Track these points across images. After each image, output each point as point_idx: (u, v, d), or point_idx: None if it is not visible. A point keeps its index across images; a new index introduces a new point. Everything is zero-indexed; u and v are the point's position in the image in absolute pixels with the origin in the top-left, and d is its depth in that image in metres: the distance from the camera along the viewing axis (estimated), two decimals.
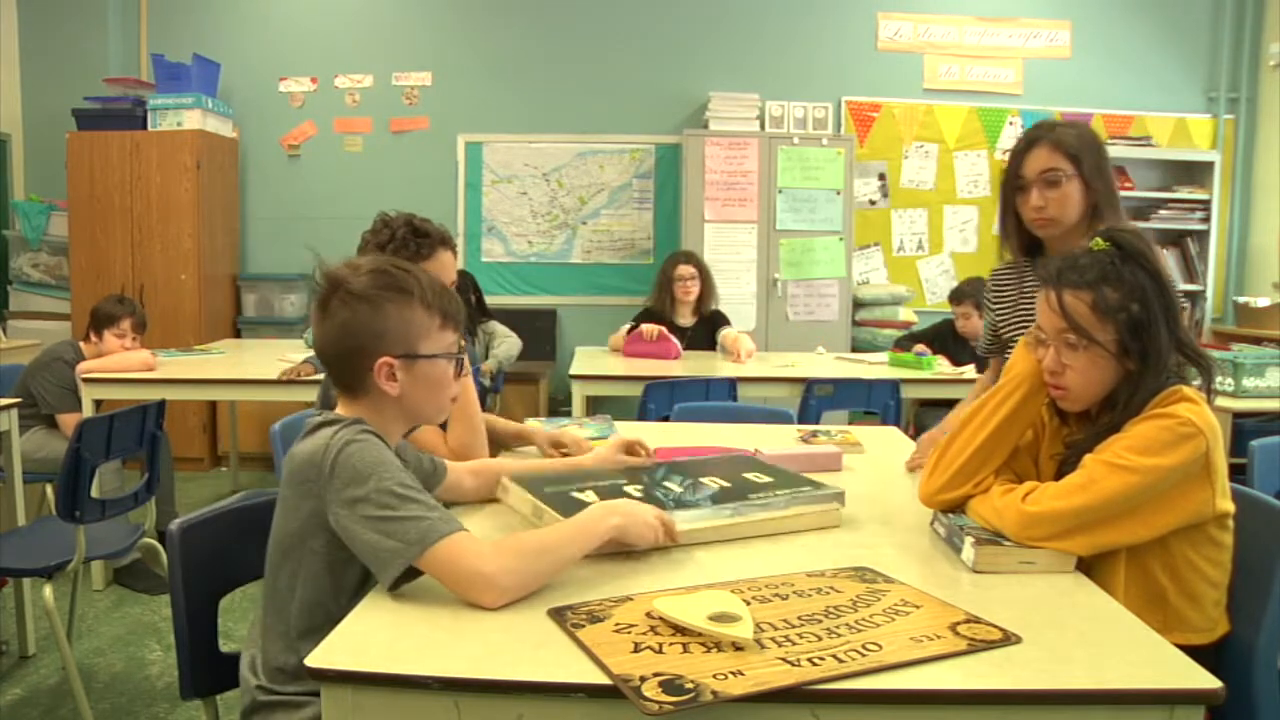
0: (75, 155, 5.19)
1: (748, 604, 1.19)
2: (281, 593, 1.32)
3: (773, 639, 1.10)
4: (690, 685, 0.99)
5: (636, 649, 1.08)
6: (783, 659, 1.05)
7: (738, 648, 1.07)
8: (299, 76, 5.75)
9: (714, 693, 0.97)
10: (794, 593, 1.28)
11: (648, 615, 1.17)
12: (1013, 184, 1.98)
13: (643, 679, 1.00)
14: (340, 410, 1.39)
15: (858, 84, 5.76)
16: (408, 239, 1.99)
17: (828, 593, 1.27)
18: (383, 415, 1.38)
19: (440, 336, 1.39)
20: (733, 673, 1.02)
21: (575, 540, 1.30)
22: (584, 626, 1.14)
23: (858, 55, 5.77)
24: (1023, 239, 2.04)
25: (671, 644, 1.09)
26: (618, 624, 1.15)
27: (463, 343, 1.45)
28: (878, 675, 1.01)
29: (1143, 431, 1.38)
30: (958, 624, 1.15)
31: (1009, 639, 1.11)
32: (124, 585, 3.44)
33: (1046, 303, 1.48)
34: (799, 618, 1.18)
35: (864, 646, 1.09)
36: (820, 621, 1.17)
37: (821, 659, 1.05)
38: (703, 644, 1.09)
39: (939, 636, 1.11)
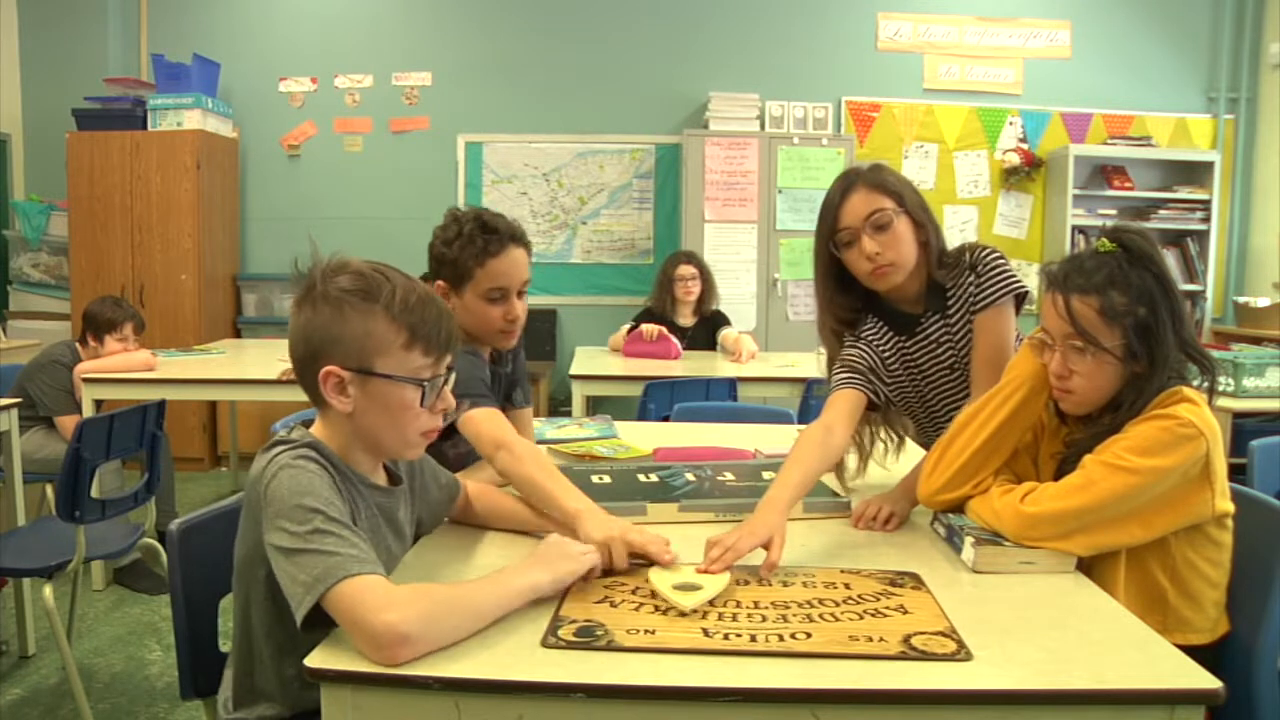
0: (75, 155, 5.18)
1: (745, 584, 1.27)
2: (240, 620, 1.29)
3: (720, 614, 1.18)
4: (600, 633, 1.10)
5: (600, 600, 1.21)
6: (703, 630, 1.12)
7: (682, 614, 1.17)
8: (299, 76, 5.75)
9: (609, 643, 1.08)
10: (802, 582, 1.30)
11: (646, 580, 1.27)
12: (832, 240, 1.75)
13: (571, 622, 1.13)
14: (314, 427, 1.30)
15: (858, 84, 5.76)
16: (474, 235, 1.81)
17: (834, 587, 1.28)
18: (343, 436, 1.26)
19: (404, 357, 1.22)
20: (647, 631, 1.12)
21: (494, 596, 1.14)
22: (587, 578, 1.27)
23: (858, 55, 5.77)
24: (848, 303, 1.82)
25: (630, 602, 1.20)
26: (615, 581, 1.28)
27: (442, 371, 1.28)
28: (813, 662, 1.03)
29: (1142, 432, 1.38)
30: (913, 634, 1.12)
31: (958, 654, 1.07)
32: (124, 585, 3.44)
33: (1053, 307, 1.46)
34: (771, 603, 1.22)
35: (793, 635, 1.11)
36: (787, 608, 1.20)
37: (738, 635, 1.11)
38: (655, 606, 1.19)
39: (881, 640, 1.10)
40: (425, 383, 1.24)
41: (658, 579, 1.25)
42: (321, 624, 1.09)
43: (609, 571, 1.31)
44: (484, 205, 2.07)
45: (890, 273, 1.73)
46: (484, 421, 1.67)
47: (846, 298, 1.83)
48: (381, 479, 1.36)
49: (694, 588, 1.22)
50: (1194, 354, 1.45)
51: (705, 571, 1.29)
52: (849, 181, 1.76)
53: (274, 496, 1.15)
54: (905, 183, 1.78)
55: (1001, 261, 1.76)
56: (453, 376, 1.31)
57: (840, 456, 1.76)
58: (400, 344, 1.22)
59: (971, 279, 1.76)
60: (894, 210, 1.72)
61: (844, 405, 1.75)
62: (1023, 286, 1.74)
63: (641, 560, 1.33)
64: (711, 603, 1.20)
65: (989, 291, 1.73)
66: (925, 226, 1.76)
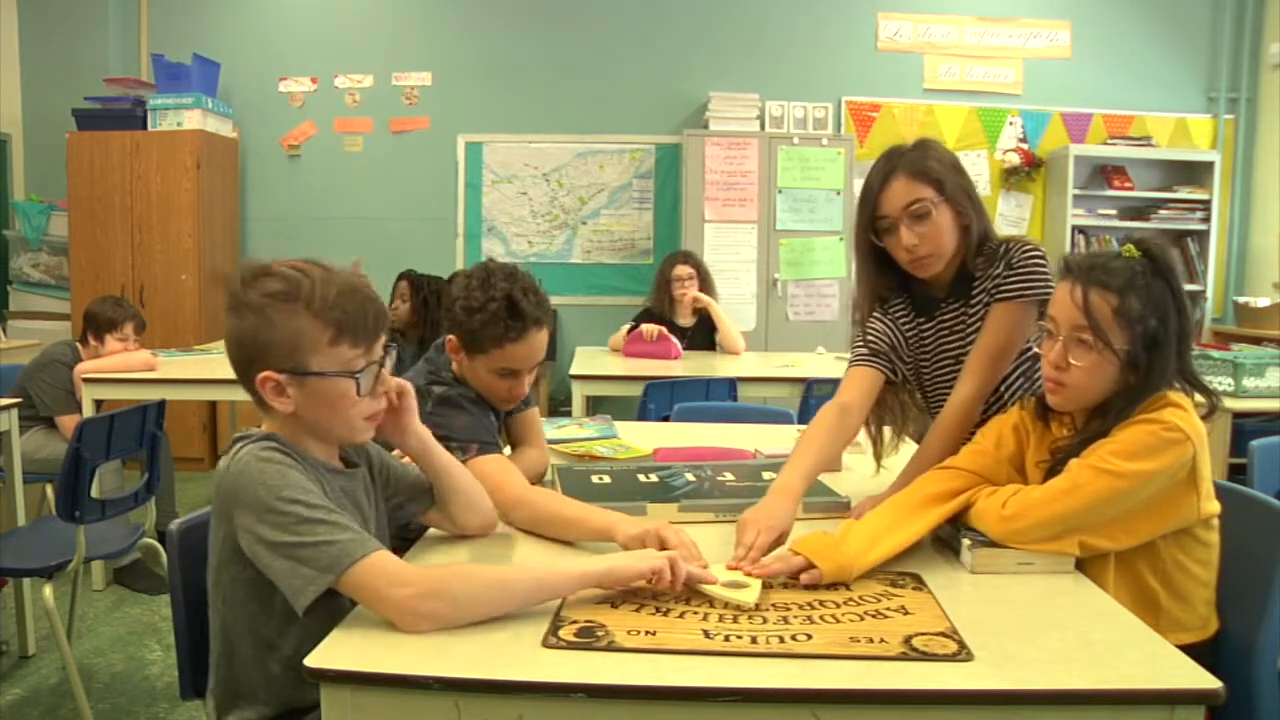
0: (75, 155, 5.18)
1: (770, 587, 1.28)
2: (219, 623, 1.27)
3: (721, 615, 1.18)
4: (600, 634, 1.10)
5: (601, 601, 1.20)
6: (703, 632, 1.12)
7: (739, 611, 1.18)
8: (299, 76, 5.75)
9: (610, 643, 1.08)
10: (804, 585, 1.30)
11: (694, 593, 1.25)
12: (871, 226, 1.73)
13: (572, 622, 1.13)
14: (265, 425, 1.31)
15: (858, 84, 5.76)
16: (499, 316, 1.69)
17: (835, 588, 1.29)
18: (295, 431, 1.28)
19: (333, 352, 1.23)
20: (647, 632, 1.12)
21: (531, 576, 1.19)
22: None
23: (858, 55, 5.77)
24: (889, 282, 1.81)
25: (630, 603, 1.20)
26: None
27: (375, 357, 1.28)
28: (813, 662, 1.03)
29: (1129, 436, 1.37)
30: (914, 635, 1.12)
31: (959, 654, 1.08)
32: (124, 585, 3.44)
33: (1069, 296, 1.43)
34: (772, 604, 1.22)
35: (793, 636, 1.11)
36: (788, 610, 1.20)
37: (739, 637, 1.11)
38: (656, 607, 1.19)
39: (882, 641, 1.10)
40: (358, 375, 1.25)
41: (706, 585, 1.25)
42: (319, 611, 1.12)
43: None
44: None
45: (930, 263, 1.72)
46: (495, 474, 1.62)
47: (887, 275, 1.80)
48: (339, 464, 1.36)
49: (740, 584, 1.25)
50: (1191, 380, 1.44)
51: (735, 569, 1.31)
52: (891, 166, 1.70)
53: (247, 491, 1.16)
54: (949, 164, 1.72)
55: (1039, 261, 1.70)
56: (391, 356, 1.32)
57: (854, 437, 1.74)
58: (327, 340, 1.23)
59: (1001, 271, 1.71)
60: (933, 200, 1.67)
61: (861, 384, 1.75)
62: (1050, 293, 1.71)
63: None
64: (712, 604, 1.21)
65: (1014, 286, 1.68)
66: (967, 211, 1.71)
